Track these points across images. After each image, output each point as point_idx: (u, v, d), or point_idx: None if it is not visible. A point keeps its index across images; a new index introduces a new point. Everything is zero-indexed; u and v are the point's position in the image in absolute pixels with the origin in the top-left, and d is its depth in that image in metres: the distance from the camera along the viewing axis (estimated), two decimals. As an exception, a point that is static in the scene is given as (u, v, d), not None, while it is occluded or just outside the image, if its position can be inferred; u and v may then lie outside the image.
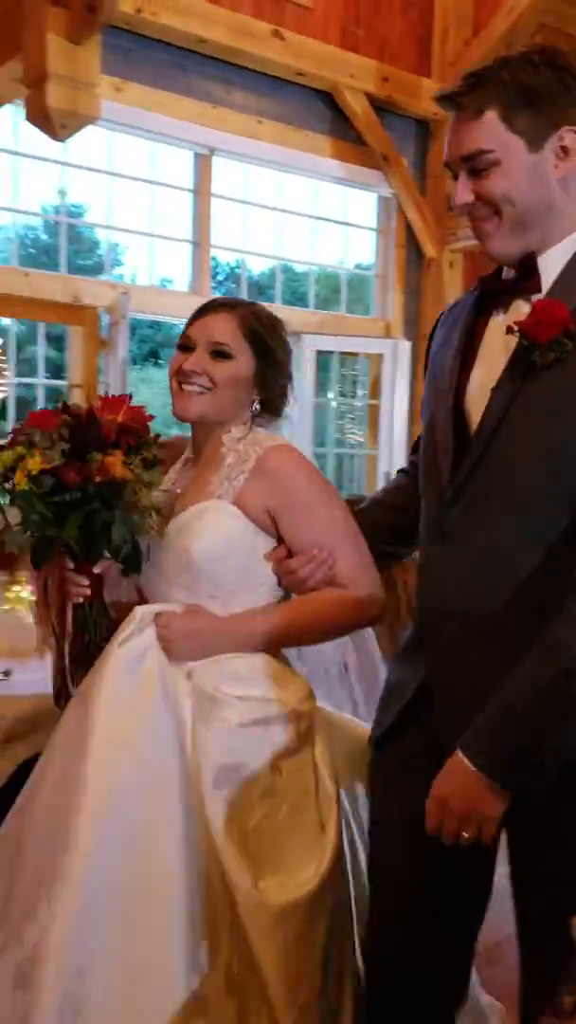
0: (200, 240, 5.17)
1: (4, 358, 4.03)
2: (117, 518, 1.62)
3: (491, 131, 1.35)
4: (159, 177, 5.08)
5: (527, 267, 1.41)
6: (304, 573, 1.66)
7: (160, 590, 1.73)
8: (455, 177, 1.41)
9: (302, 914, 1.53)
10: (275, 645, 1.68)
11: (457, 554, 1.44)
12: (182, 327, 1.78)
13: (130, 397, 1.72)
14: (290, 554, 1.68)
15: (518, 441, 1.36)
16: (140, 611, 1.65)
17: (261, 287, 6.63)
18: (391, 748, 1.57)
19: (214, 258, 5.35)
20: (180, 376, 1.72)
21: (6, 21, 3.15)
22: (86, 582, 1.71)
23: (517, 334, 1.36)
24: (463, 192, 1.39)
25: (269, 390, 1.76)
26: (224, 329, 1.72)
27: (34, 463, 1.58)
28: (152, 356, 14.08)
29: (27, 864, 1.55)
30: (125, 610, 1.69)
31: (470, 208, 1.40)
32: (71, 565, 1.71)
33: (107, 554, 1.68)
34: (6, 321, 5.04)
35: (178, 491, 1.78)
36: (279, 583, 1.70)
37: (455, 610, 1.45)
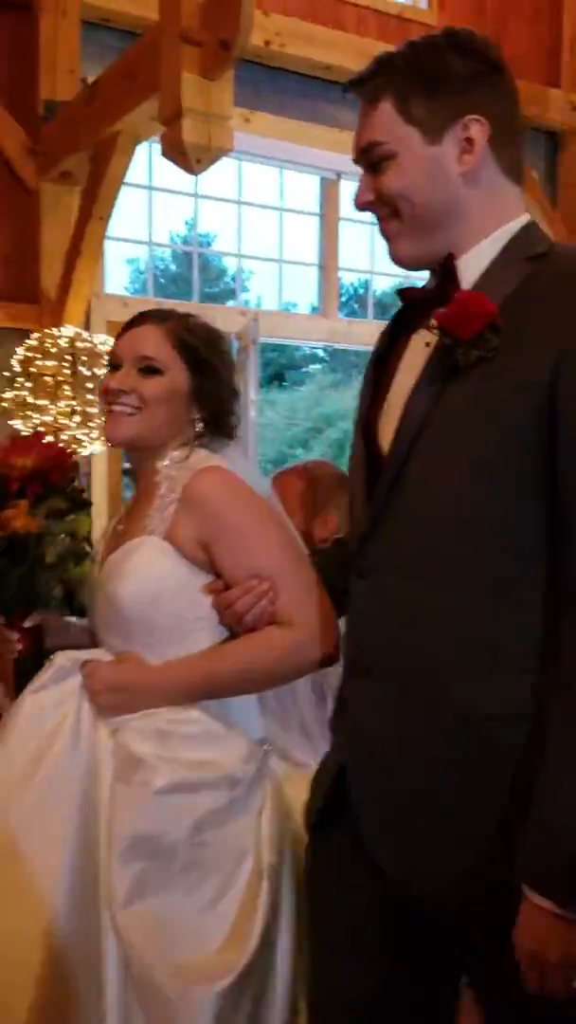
0: (327, 263, 5.22)
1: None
2: (37, 572, 1.52)
3: (385, 121, 1.19)
4: (286, 203, 5.17)
5: (445, 271, 1.22)
6: (241, 607, 1.45)
7: (100, 635, 1.59)
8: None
9: (214, 1004, 1.31)
10: (214, 695, 1.49)
11: (376, 596, 1.22)
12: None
13: (42, 435, 1.61)
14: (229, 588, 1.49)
15: (441, 457, 1.15)
16: (59, 659, 1.50)
17: (385, 306, 6.62)
18: (321, 840, 1.35)
19: (339, 278, 5.39)
20: (108, 396, 1.55)
21: (143, 62, 3.27)
22: (16, 637, 1.62)
23: (436, 331, 1.16)
24: (363, 190, 1.24)
25: (209, 407, 1.57)
26: (151, 342, 1.54)
27: None
28: (276, 379, 14.31)
29: None
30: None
31: (371, 208, 1.24)
32: (1, 620, 1.62)
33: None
34: (141, 350, 5.21)
35: (121, 528, 1.61)
36: (221, 622, 1.51)
37: (374, 665, 1.21)
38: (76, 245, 4.06)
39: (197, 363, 1.55)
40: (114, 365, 1.57)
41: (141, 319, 1.59)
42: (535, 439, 1.10)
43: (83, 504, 1.60)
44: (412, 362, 1.25)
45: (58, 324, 4.06)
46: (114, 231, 4.62)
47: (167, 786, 1.40)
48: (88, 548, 1.63)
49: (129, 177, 4.01)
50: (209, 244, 6.74)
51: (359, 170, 1.26)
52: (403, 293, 1.30)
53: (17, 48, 4.25)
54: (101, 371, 3.90)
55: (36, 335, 3.95)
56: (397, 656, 1.19)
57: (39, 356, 3.86)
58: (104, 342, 4.00)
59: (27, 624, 1.63)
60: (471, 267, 1.21)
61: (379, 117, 1.20)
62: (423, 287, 1.30)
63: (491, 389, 1.12)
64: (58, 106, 4.11)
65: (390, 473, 1.20)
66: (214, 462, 1.54)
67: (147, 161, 4.80)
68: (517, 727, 1.12)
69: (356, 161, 1.25)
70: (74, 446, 3.43)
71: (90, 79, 3.91)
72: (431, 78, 1.18)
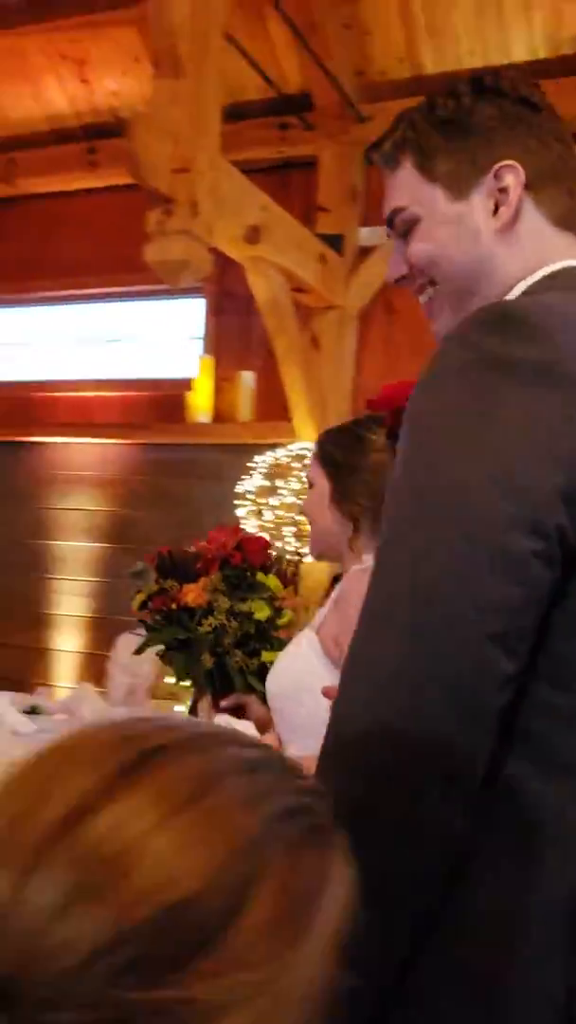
0: None
1: None
2: (195, 644, 1.69)
3: (407, 183, 1.06)
4: None
5: None
6: None
7: None
8: None
9: None
10: None
11: None
12: None
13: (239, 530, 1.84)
14: None
15: None
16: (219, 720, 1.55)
17: None
18: None
19: None
20: None
21: None
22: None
23: None
24: (394, 263, 1.09)
25: (348, 508, 1.56)
26: (311, 460, 1.65)
27: (142, 592, 1.86)
28: None
29: None
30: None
31: (405, 283, 1.10)
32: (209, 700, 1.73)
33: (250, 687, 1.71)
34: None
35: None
36: None
37: None
38: None
39: (334, 467, 1.60)
40: None
41: None
42: None
43: (256, 586, 1.76)
44: None
45: None
46: None
47: None
48: (269, 634, 1.76)
49: None
50: None
51: None
52: None
53: None
54: None
55: None
56: None
57: None
58: None
59: (224, 704, 1.74)
60: None
61: (401, 180, 1.07)
62: None
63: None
64: None
65: None
66: (367, 563, 1.49)
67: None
68: None
69: (388, 236, 1.13)
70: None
71: None
72: (453, 128, 1.04)
